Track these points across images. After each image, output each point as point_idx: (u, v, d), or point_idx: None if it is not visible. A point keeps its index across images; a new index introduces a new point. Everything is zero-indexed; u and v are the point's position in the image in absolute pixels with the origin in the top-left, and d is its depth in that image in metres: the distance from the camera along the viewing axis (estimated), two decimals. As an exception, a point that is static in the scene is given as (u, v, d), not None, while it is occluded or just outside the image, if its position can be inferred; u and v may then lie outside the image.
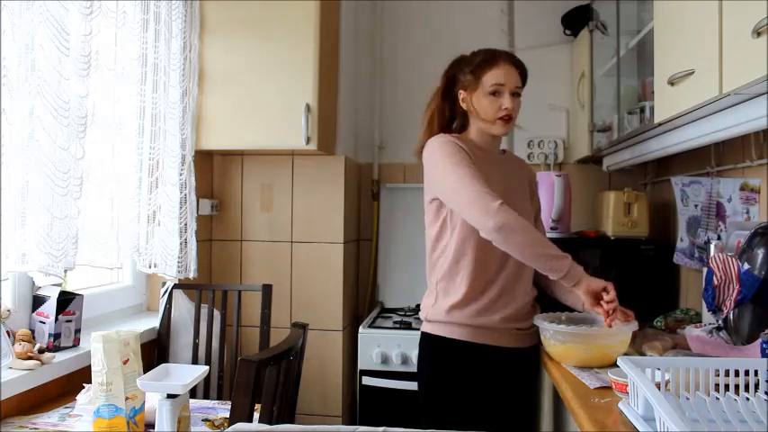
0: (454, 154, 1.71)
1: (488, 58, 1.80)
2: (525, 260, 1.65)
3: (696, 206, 2.05)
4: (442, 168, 1.72)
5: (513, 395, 1.85)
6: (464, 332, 1.76)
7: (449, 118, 1.89)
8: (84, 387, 1.65)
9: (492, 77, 1.77)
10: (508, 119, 1.78)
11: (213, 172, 2.79)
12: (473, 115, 1.83)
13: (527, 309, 1.83)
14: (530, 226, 1.64)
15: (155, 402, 1.41)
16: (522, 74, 1.82)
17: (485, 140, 1.84)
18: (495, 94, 1.77)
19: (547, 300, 1.91)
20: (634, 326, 1.67)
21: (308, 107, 2.41)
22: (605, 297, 1.62)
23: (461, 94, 1.83)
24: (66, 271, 1.68)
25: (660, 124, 1.78)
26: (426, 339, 1.83)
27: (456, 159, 1.70)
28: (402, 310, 2.90)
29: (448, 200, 1.74)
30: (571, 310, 1.86)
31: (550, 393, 1.86)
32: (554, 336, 1.69)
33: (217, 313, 2.30)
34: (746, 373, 1.19)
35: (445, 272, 1.79)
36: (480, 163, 1.74)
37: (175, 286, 2.30)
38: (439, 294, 1.81)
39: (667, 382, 1.19)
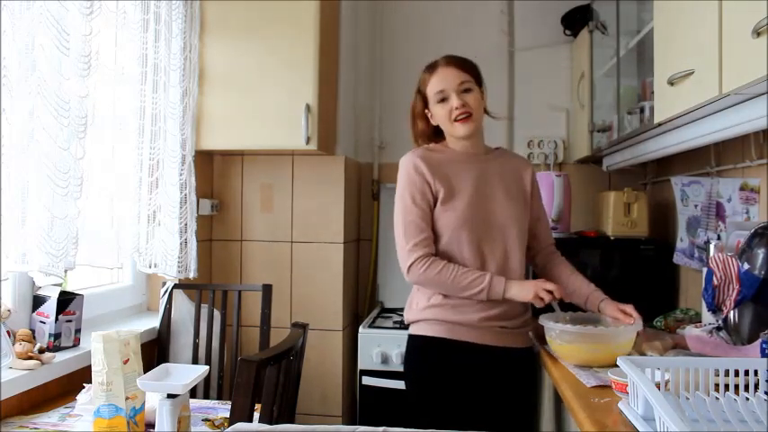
0: (408, 186, 1.78)
1: (426, 70, 1.85)
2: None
3: (696, 206, 2.05)
4: (397, 195, 1.81)
5: (508, 395, 1.82)
6: (442, 329, 1.77)
7: (430, 132, 1.90)
8: (84, 387, 1.65)
9: (432, 88, 1.81)
10: (465, 117, 1.78)
11: (213, 172, 2.79)
12: (441, 126, 1.85)
13: (517, 308, 1.80)
14: (440, 272, 1.71)
15: (155, 402, 1.42)
16: (466, 68, 1.82)
17: (462, 144, 1.85)
18: (443, 101, 1.79)
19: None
20: (639, 325, 1.68)
21: (308, 107, 2.41)
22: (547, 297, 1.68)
23: (428, 113, 1.87)
24: (66, 271, 1.67)
25: (660, 124, 1.78)
26: (409, 341, 1.87)
27: (407, 192, 1.77)
28: (402, 310, 2.86)
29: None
30: (573, 305, 1.87)
31: (551, 393, 1.86)
32: (560, 335, 1.68)
33: (217, 313, 2.30)
34: (746, 373, 1.19)
35: None
36: (449, 169, 1.79)
37: (175, 286, 2.30)
38: (415, 295, 1.86)
39: (667, 382, 1.19)
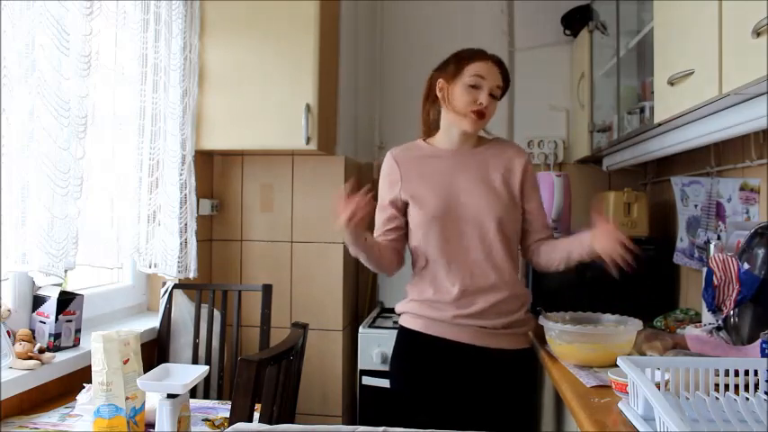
0: (381, 189, 1.86)
1: (475, 52, 1.80)
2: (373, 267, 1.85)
3: (696, 206, 2.05)
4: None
5: (495, 396, 1.76)
6: (419, 323, 1.79)
7: (433, 121, 1.89)
8: (84, 387, 1.65)
9: (474, 68, 1.76)
10: (481, 115, 1.75)
11: (213, 172, 2.79)
12: (446, 107, 1.80)
13: (498, 308, 1.74)
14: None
15: (155, 402, 1.42)
16: (505, 77, 1.81)
17: (451, 138, 1.83)
18: (474, 87, 1.75)
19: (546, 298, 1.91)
20: (638, 325, 1.68)
21: (308, 107, 2.41)
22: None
23: (440, 83, 1.81)
24: (66, 271, 1.68)
25: (660, 124, 1.78)
26: (397, 332, 1.89)
27: (381, 193, 1.85)
28: (402, 310, 2.89)
29: None
30: (573, 305, 1.87)
31: (551, 393, 1.86)
32: (560, 335, 1.69)
33: (217, 313, 2.30)
34: (746, 373, 1.19)
35: (412, 273, 1.87)
36: (425, 168, 1.82)
37: (175, 286, 2.30)
38: (407, 288, 1.89)
39: (667, 382, 1.19)
